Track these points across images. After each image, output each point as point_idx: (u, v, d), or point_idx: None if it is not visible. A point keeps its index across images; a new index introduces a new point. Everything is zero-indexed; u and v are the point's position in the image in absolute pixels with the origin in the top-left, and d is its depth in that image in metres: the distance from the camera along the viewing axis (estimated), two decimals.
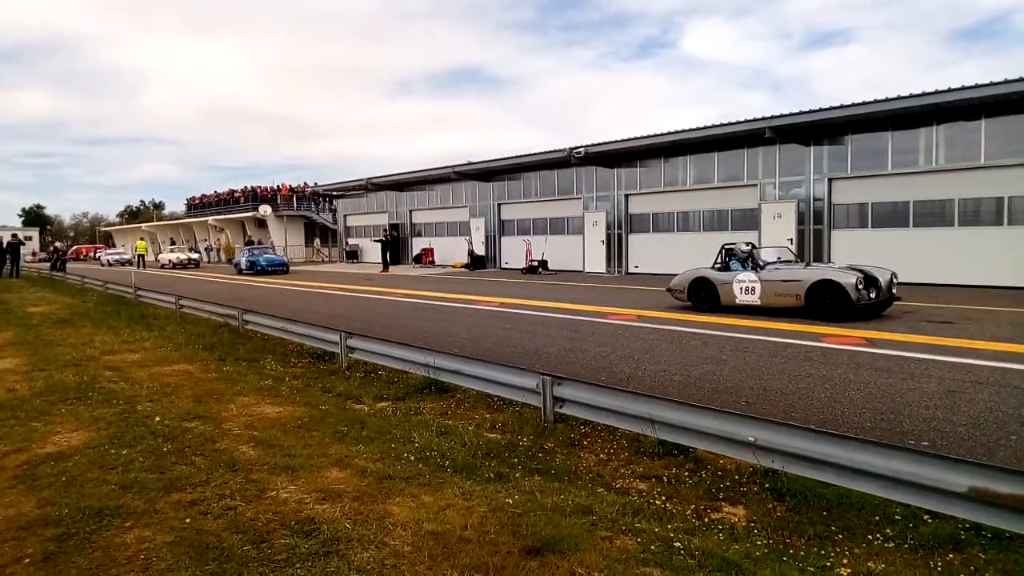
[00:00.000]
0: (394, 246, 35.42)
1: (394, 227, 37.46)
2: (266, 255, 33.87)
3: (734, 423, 4.46)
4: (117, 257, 53.66)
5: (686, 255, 22.90)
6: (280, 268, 32.23)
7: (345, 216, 43.56)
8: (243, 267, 32.51)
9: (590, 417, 5.52)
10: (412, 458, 4.98)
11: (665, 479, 4.56)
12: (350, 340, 8.45)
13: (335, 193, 44.01)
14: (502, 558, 3.42)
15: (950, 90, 16.02)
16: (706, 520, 3.93)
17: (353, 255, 41.50)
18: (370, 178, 37.22)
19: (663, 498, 4.24)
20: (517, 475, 4.63)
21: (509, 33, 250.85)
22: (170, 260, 43.06)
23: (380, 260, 33.40)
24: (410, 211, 37.19)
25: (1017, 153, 15.83)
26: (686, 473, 4.64)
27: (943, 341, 9.02)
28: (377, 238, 34.92)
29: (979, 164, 16.50)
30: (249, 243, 44.21)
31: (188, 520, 3.95)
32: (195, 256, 45.16)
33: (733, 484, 4.39)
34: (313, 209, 50.03)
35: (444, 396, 6.87)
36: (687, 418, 4.76)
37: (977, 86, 15.56)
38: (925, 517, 3.74)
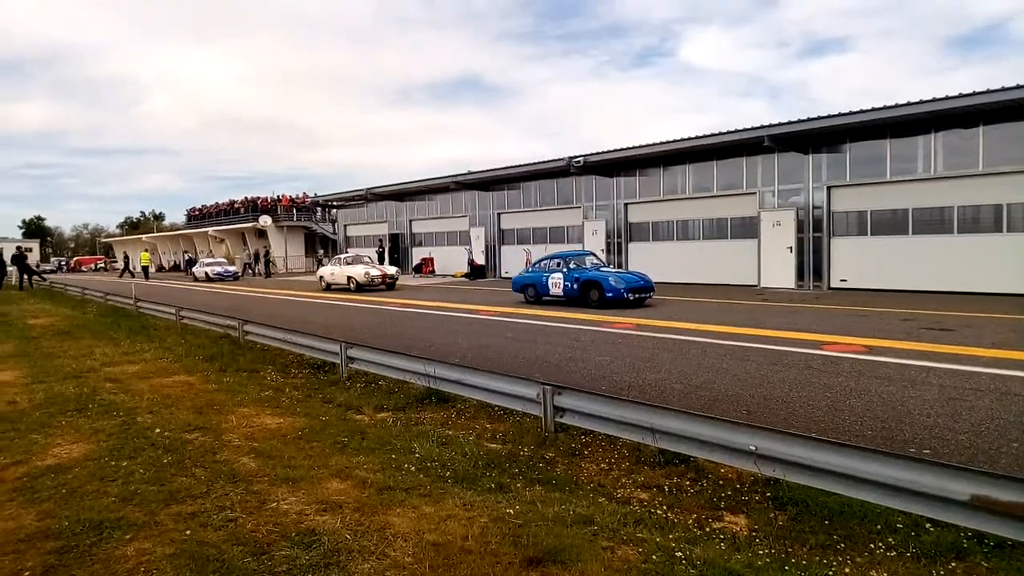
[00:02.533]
0: (391, 256, 35.47)
1: (394, 237, 37.54)
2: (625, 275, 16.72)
3: (735, 432, 4.45)
4: (221, 270, 36.36)
5: (686, 264, 22.98)
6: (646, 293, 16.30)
7: (345, 226, 43.61)
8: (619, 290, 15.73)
9: (591, 427, 5.50)
10: (413, 469, 4.97)
11: (667, 488, 4.55)
12: (350, 350, 8.45)
13: (335, 203, 44.07)
14: (503, 568, 3.41)
15: (948, 98, 16.05)
16: (708, 529, 3.92)
17: None
18: (370, 188, 37.28)
19: (664, 507, 4.23)
20: (518, 485, 4.62)
21: (508, 42, 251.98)
22: (351, 278, 24.89)
23: None
24: (410, 221, 37.24)
25: (1016, 160, 15.85)
26: (687, 482, 4.63)
27: (943, 348, 9.01)
28: (377, 249, 34.76)
29: (978, 171, 16.52)
30: (564, 254, 18.67)
31: (188, 532, 3.94)
32: (392, 271, 26.12)
33: (735, 493, 4.38)
34: (313, 219, 50.12)
35: (445, 406, 6.86)
36: (688, 427, 4.75)
37: (975, 93, 15.59)
38: (927, 525, 3.73)
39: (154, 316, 16.19)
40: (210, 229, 55.55)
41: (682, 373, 8.13)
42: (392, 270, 26.11)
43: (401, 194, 36.62)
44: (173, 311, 14.94)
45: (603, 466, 5.07)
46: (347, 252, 33.45)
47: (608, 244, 25.64)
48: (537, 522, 3.93)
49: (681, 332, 11.33)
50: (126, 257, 50.13)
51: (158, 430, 6.14)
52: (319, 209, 48.52)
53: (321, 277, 27.27)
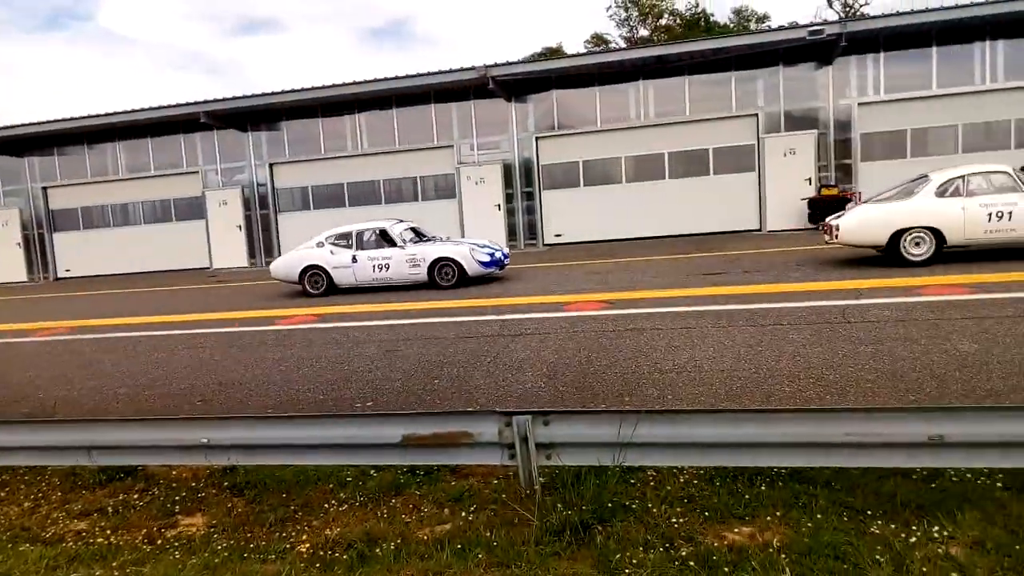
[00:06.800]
0: None
1: None
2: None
3: (183, 429, 4.15)
4: None
5: (130, 253, 20.98)
6: None
7: None
8: None
9: (7, 462, 4.51)
10: None
11: (110, 509, 4.02)
12: None
13: None
14: None
15: (367, 81, 17.84)
16: (159, 542, 3.59)
17: None
18: None
19: (108, 532, 3.74)
20: None
21: None
22: None
23: None
24: None
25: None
26: (135, 495, 4.18)
27: (388, 307, 10.10)
28: None
29: (395, 148, 18.89)
30: None
31: None
32: None
33: (190, 493, 4.13)
34: None
35: None
36: (131, 435, 4.25)
37: (392, 78, 17.73)
38: (371, 472, 4.10)
39: None
40: None
41: (128, 374, 7.32)
42: None
43: None
44: None
45: (27, 505, 4.22)
46: None
47: (26, 237, 21.58)
48: None
49: (123, 328, 10.23)
50: None
51: None
52: None
53: None
